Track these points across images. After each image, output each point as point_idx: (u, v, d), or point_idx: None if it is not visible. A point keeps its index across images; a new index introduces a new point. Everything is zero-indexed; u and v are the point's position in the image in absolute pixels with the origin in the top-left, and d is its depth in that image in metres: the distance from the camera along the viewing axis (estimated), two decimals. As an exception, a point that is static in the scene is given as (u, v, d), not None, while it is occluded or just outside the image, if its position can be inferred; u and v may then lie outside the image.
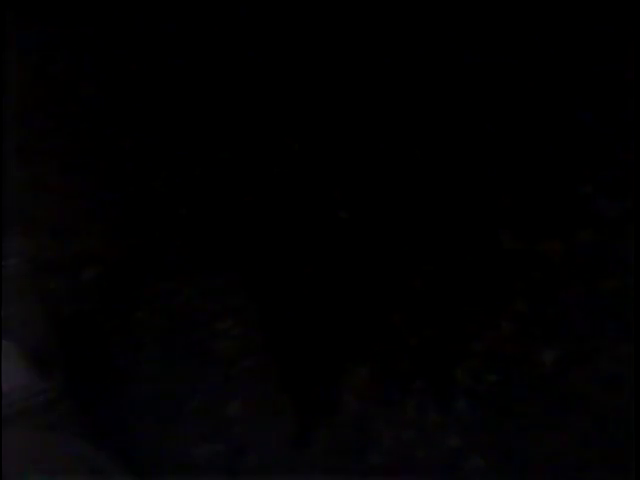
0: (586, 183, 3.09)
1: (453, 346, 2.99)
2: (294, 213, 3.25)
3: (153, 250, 3.27)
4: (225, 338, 3.10)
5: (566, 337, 2.91)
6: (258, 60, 3.28)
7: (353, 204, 3.30)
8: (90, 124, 3.46)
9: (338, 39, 3.31)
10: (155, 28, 3.41)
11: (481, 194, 3.22)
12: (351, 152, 3.36)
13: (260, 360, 3.03)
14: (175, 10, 3.37)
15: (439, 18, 3.32)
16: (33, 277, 2.69)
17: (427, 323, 3.07)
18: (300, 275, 3.18)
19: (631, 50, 3.14)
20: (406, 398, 2.88)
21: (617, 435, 2.60)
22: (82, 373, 2.86)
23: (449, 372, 2.93)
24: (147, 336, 3.11)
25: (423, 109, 3.38)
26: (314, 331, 3.08)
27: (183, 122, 3.60)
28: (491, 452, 2.70)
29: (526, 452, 2.73)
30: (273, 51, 3.33)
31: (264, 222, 3.30)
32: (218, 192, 3.41)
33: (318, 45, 3.33)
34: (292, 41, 3.35)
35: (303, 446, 2.81)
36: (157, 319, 3.16)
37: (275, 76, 3.36)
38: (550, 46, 3.31)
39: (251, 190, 3.38)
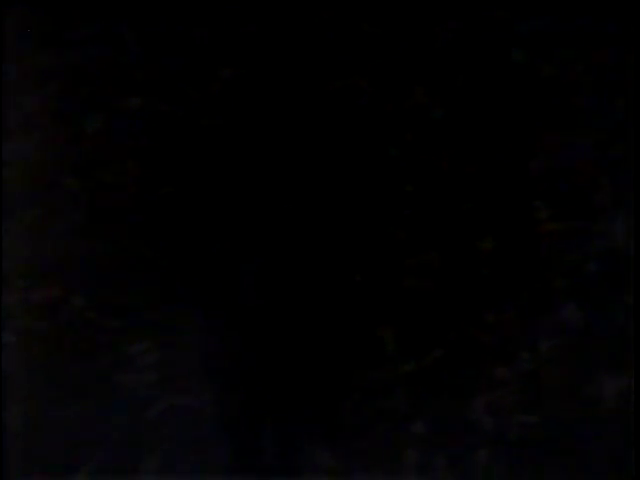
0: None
1: (470, 371, 2.62)
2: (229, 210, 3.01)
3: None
4: (138, 368, 2.73)
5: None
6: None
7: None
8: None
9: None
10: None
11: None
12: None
13: (189, 399, 2.66)
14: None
15: None
16: None
17: (431, 338, 2.68)
18: (246, 267, 2.87)
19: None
20: (402, 446, 2.53)
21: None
22: None
23: (463, 409, 2.55)
24: (20, 366, 2.75)
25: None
26: (270, 351, 2.73)
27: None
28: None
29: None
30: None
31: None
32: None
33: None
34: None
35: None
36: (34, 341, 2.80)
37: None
38: None
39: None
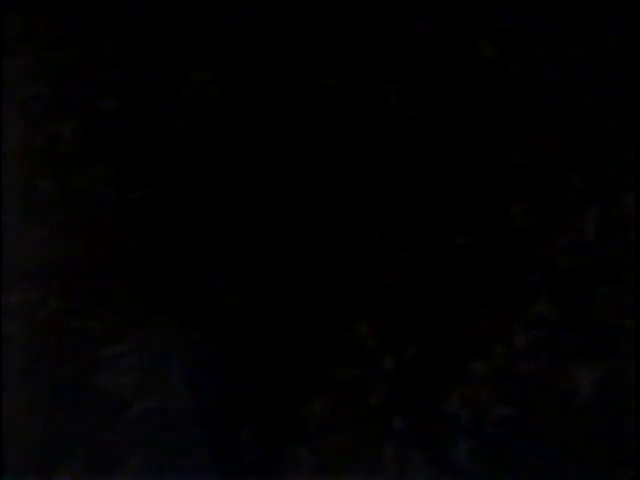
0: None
1: (446, 366, 2.61)
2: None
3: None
4: (115, 370, 2.70)
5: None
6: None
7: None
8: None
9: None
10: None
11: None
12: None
13: (168, 401, 2.63)
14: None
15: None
16: None
17: (408, 334, 2.66)
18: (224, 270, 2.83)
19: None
20: (380, 442, 2.50)
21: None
22: None
23: (441, 404, 2.54)
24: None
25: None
26: (249, 349, 2.70)
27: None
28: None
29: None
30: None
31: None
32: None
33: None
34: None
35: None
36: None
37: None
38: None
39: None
